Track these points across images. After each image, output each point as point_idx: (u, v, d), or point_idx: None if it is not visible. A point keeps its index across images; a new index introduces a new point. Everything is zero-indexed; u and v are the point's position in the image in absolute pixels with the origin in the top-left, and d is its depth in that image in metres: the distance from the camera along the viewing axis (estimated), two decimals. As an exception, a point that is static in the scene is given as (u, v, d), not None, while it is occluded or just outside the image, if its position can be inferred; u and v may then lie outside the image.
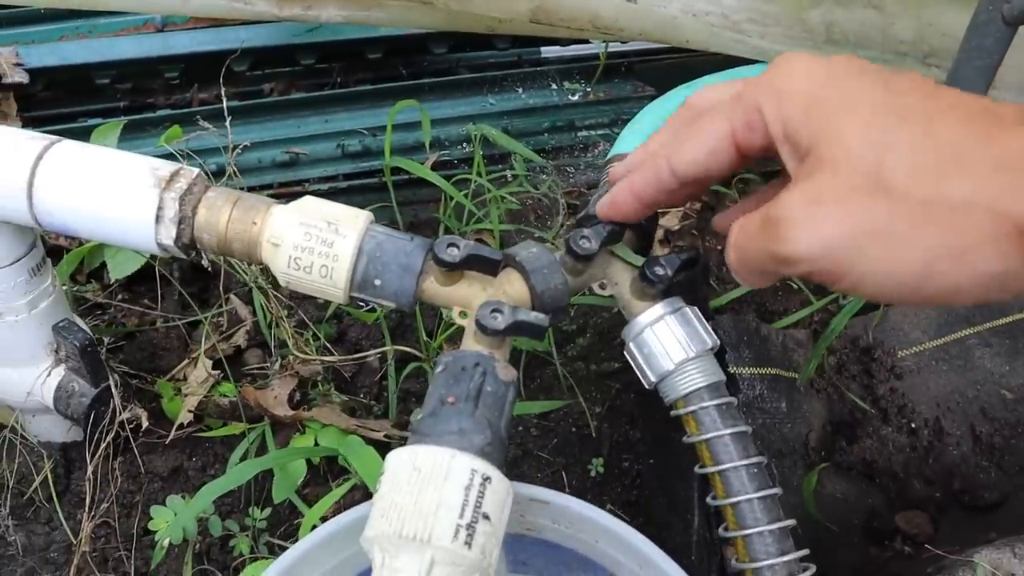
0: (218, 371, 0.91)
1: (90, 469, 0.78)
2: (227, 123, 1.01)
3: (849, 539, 0.93)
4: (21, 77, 1.17)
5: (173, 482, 0.87)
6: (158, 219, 0.63)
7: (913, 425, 1.02)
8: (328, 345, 0.94)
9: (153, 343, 0.97)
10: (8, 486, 0.80)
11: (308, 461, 0.85)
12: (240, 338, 0.96)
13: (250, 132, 1.16)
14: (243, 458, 0.85)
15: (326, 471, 0.88)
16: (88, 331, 0.79)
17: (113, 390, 0.80)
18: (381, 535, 0.51)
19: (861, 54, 1.04)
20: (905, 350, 1.07)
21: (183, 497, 0.83)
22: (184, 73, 1.26)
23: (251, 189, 1.08)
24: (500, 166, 1.15)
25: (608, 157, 0.80)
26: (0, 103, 1.16)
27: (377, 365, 0.96)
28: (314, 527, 0.64)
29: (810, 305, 1.06)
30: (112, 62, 1.23)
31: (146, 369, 0.95)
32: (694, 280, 1.00)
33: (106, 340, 0.95)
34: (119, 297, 1.00)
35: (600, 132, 1.24)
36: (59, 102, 1.24)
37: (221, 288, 0.97)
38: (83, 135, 1.08)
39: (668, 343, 0.62)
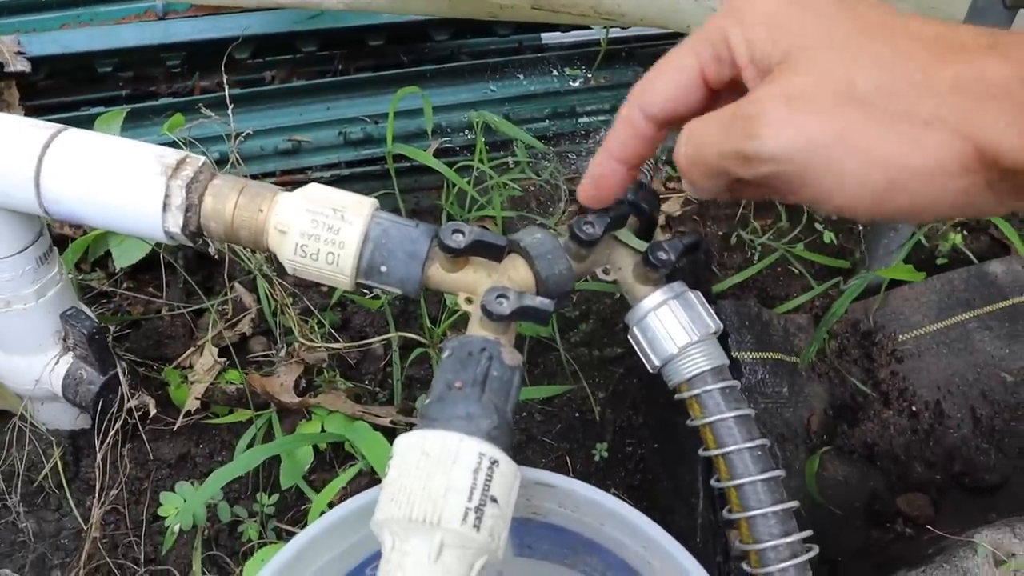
0: (224, 359, 0.92)
1: (99, 456, 0.78)
2: (229, 111, 1.01)
3: (851, 521, 0.94)
4: (23, 66, 1.17)
5: (180, 468, 0.87)
6: (165, 207, 0.64)
7: (914, 408, 1.02)
8: (333, 332, 0.95)
9: (158, 331, 0.98)
10: (18, 473, 0.81)
11: (315, 447, 0.86)
12: (245, 326, 0.97)
13: (252, 120, 1.16)
14: (250, 444, 0.86)
15: (332, 457, 0.88)
16: (95, 319, 0.80)
17: (121, 378, 0.81)
18: (391, 519, 0.51)
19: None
20: (905, 334, 1.07)
21: (192, 483, 0.83)
22: (186, 61, 1.27)
23: (253, 177, 1.08)
24: (502, 153, 1.15)
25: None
26: (2, 92, 1.16)
27: (381, 352, 0.97)
28: (322, 513, 0.65)
29: (811, 290, 1.07)
30: (114, 50, 1.23)
31: (152, 357, 0.95)
32: (697, 265, 1.01)
33: (112, 328, 0.95)
34: (124, 285, 1.01)
35: (601, 118, 1.24)
36: (61, 90, 1.25)
37: (226, 276, 0.97)
38: (86, 123, 1.08)
39: (671, 327, 0.62)
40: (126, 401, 0.80)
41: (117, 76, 1.26)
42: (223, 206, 0.64)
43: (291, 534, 0.84)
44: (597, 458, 0.92)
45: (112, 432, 0.80)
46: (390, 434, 0.85)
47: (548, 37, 1.36)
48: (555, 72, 1.27)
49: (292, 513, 0.86)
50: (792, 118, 0.42)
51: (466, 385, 0.56)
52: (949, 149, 0.39)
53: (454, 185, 1.05)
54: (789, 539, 0.61)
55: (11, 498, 0.80)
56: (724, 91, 0.50)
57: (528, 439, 0.94)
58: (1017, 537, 0.75)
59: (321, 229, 0.61)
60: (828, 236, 1.14)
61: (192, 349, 0.94)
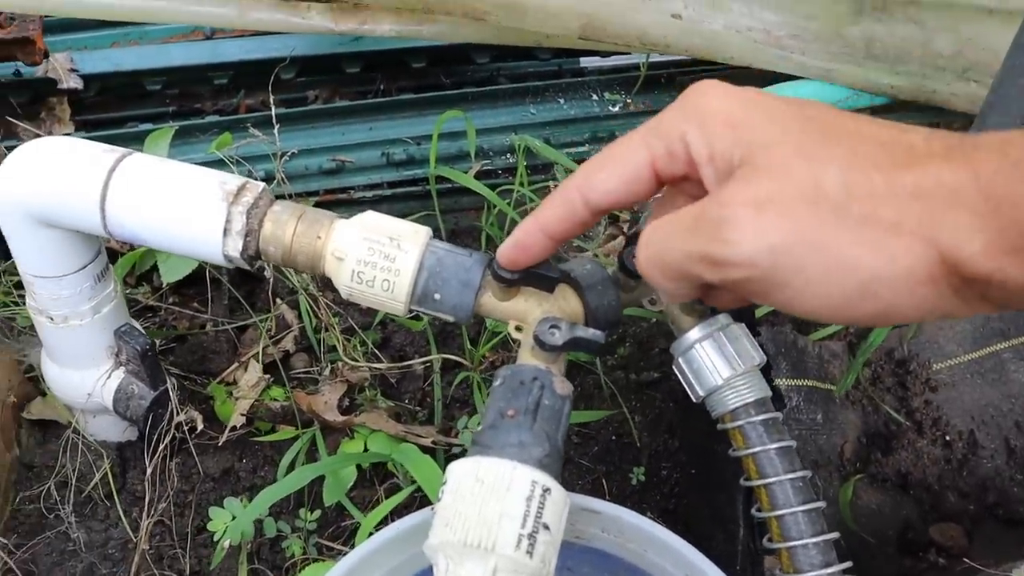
0: (268, 375, 0.94)
1: (149, 470, 0.80)
2: (275, 131, 1.04)
3: (884, 550, 0.95)
4: (76, 83, 1.20)
5: (224, 483, 0.89)
6: (226, 232, 0.65)
7: (948, 438, 1.03)
8: (376, 351, 0.97)
9: (203, 346, 1.00)
10: (71, 484, 0.83)
11: (357, 465, 0.87)
12: (288, 343, 0.99)
13: (296, 139, 1.18)
14: (293, 461, 0.88)
15: (372, 475, 0.90)
16: (147, 336, 0.82)
17: (171, 394, 0.83)
18: (446, 543, 0.53)
19: (899, 69, 1.06)
20: (940, 363, 1.08)
21: (240, 499, 0.85)
22: (232, 80, 1.29)
23: (298, 196, 1.11)
24: (542, 176, 1.17)
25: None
26: (55, 107, 1.19)
27: (422, 372, 0.98)
28: (369, 534, 0.66)
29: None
30: (162, 69, 1.27)
31: (196, 371, 0.97)
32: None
33: (157, 342, 0.98)
34: (169, 300, 1.03)
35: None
36: (110, 107, 1.28)
37: (270, 294, 0.99)
38: (133, 139, 1.11)
39: (716, 359, 0.63)
40: (175, 416, 0.82)
41: (164, 93, 1.29)
42: (282, 232, 0.65)
43: (331, 550, 0.86)
44: (634, 481, 0.93)
45: (161, 447, 0.82)
46: (431, 453, 0.87)
47: (587, 61, 1.37)
48: (595, 96, 1.28)
49: (333, 529, 0.88)
50: (762, 223, 0.41)
51: (519, 413, 0.57)
52: (917, 256, 0.39)
53: (494, 207, 1.07)
54: (830, 570, 0.62)
55: (63, 508, 0.82)
56: (673, 183, 0.50)
57: (566, 461, 0.95)
58: (1054, 572, 0.76)
59: (378, 257, 0.63)
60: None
61: (236, 364, 0.96)
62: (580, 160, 1.20)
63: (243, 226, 0.65)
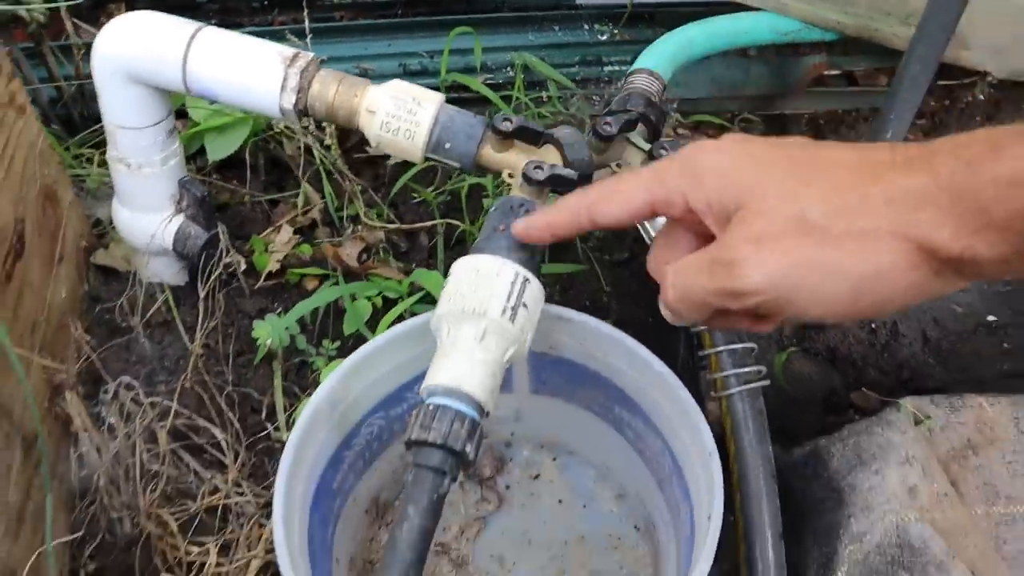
0: (298, 235, 1.11)
1: (202, 294, 0.97)
2: (307, 40, 1.20)
3: (812, 409, 1.12)
4: (132, -10, 1.35)
5: (260, 319, 1.06)
6: (283, 88, 0.82)
7: (873, 325, 1.20)
8: (392, 217, 1.14)
9: (241, 215, 1.17)
10: (139, 303, 1.00)
11: (372, 305, 1.04)
12: (315, 213, 1.16)
13: (325, 50, 1.33)
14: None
15: (383, 314, 1.07)
16: (203, 187, 0.99)
17: (221, 235, 1.00)
18: (448, 312, 0.69)
19: (848, 10, 1.21)
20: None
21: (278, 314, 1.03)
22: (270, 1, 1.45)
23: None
24: (537, 89, 1.33)
25: (630, 71, 0.99)
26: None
27: (426, 242, 1.16)
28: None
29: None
30: (207, -15, 1.42)
31: (236, 235, 1.14)
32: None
33: (203, 210, 1.14)
34: (214, 176, 1.20)
35: (623, 68, 1.41)
36: (159, 14, 1.43)
37: (300, 172, 1.16)
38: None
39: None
40: (224, 254, 0.99)
41: (208, 7, 1.44)
42: (327, 91, 0.82)
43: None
44: (602, 338, 1.11)
45: (211, 279, 0.99)
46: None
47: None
48: (586, 27, 1.44)
49: (351, 356, 1.05)
50: (762, 256, 0.50)
51: (507, 228, 0.74)
52: (897, 251, 0.47)
53: (498, 111, 1.23)
54: (746, 369, 0.80)
55: (132, 318, 0.99)
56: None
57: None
58: (934, 403, 0.93)
59: (402, 111, 0.80)
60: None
61: (270, 228, 1.13)
62: (570, 79, 1.36)
63: (296, 84, 0.82)
